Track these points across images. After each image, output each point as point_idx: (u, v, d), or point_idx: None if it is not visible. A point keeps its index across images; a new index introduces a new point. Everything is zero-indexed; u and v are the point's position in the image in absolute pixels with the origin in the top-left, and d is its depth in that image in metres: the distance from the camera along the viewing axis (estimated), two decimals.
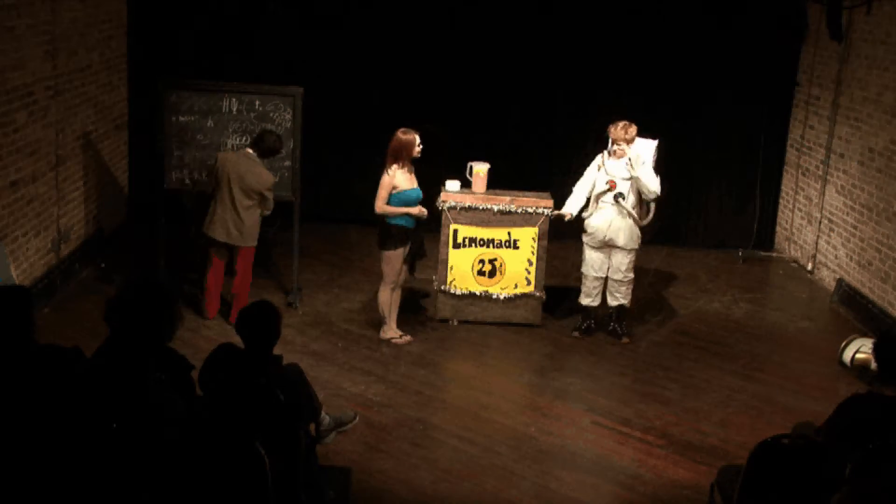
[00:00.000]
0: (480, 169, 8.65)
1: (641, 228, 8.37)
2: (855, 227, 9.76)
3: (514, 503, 6.11)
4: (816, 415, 6.91)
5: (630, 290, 8.53)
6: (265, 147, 8.16)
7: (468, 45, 10.89)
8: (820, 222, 10.51)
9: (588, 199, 8.38)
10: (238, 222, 8.14)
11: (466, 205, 8.57)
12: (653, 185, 8.16)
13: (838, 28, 9.96)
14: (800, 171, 11.07)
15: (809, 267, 10.70)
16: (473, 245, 8.63)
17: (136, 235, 10.26)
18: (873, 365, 7.25)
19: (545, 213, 8.54)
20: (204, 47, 10.65)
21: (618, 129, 8.20)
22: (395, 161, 7.88)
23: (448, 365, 8.15)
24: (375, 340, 8.36)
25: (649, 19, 10.84)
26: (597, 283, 8.51)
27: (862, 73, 9.81)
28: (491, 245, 8.63)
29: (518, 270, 8.66)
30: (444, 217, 8.60)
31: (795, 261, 11.12)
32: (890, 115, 9.23)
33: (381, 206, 7.89)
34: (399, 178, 7.88)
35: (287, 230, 9.08)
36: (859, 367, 8.09)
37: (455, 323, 8.77)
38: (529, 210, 8.54)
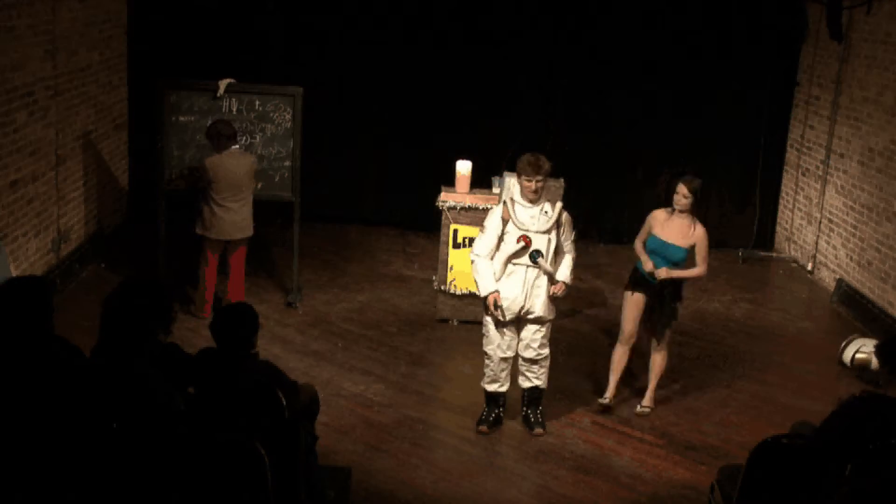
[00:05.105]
0: (462, 168, 8.64)
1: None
2: (855, 227, 9.76)
3: (514, 503, 6.11)
4: (816, 415, 6.89)
5: (546, 370, 6.91)
6: (229, 133, 8.20)
7: (469, 43, 10.89)
8: (820, 222, 10.50)
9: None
10: (238, 217, 8.27)
11: (466, 205, 8.57)
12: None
13: (838, 28, 9.96)
14: (800, 171, 11.07)
15: (809, 267, 10.70)
16: None
17: (136, 235, 10.26)
18: (874, 364, 7.26)
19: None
20: (204, 47, 10.65)
21: (524, 163, 6.50)
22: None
23: (448, 365, 8.14)
24: (375, 340, 8.36)
25: (649, 19, 10.84)
26: (505, 365, 6.84)
27: (862, 73, 9.80)
28: None
29: None
30: (444, 217, 8.59)
31: (795, 261, 11.12)
32: (890, 115, 9.23)
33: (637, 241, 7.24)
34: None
35: (287, 230, 9.08)
36: (859, 367, 8.09)
37: (455, 323, 8.76)
38: None
